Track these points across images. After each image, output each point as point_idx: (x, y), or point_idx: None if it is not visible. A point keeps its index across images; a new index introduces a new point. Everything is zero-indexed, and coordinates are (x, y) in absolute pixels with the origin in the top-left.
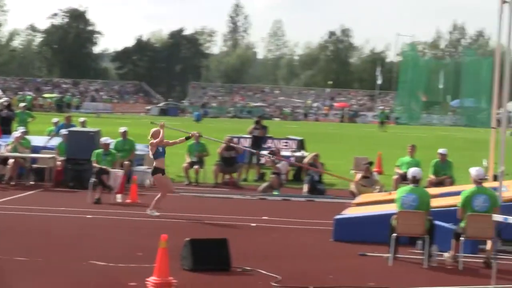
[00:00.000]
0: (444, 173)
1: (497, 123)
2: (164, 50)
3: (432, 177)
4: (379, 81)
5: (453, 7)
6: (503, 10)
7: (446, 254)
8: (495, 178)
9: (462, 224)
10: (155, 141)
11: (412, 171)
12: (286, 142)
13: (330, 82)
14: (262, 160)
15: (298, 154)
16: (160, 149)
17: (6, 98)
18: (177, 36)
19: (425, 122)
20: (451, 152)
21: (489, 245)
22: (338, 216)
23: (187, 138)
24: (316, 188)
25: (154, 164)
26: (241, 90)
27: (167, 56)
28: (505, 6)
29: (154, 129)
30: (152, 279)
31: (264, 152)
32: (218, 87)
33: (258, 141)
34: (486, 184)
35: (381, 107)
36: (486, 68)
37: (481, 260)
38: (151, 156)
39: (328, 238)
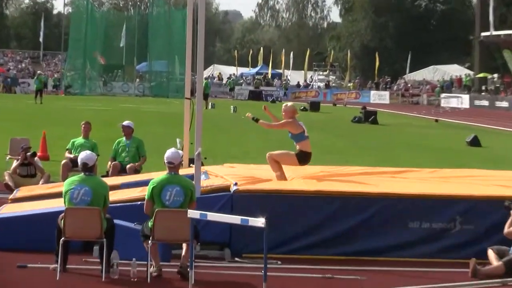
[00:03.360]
0: (129, 155)
1: (192, 92)
2: None
3: (116, 163)
4: (40, 39)
5: None
6: None
7: (133, 262)
8: (192, 162)
9: (150, 223)
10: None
11: (82, 156)
12: None
13: None
14: None
15: None
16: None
17: None
18: None
19: (104, 92)
20: (139, 129)
21: (184, 249)
22: None
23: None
24: None
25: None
26: None
27: None
28: None
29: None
30: None
31: None
32: None
33: None
34: (182, 171)
35: (39, 72)
36: (179, 23)
37: (175, 270)
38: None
39: None
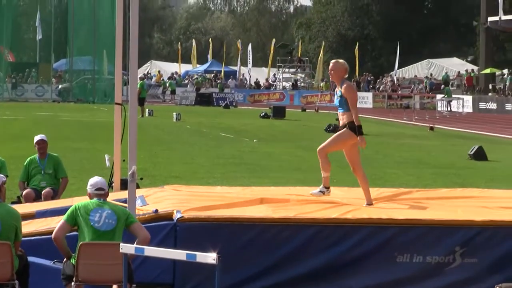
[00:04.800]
0: (45, 178)
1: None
2: None
3: (29, 191)
4: None
5: None
6: None
7: None
8: (125, 183)
9: (73, 260)
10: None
11: None
12: None
13: None
14: None
15: None
16: None
17: None
18: None
19: (13, 97)
20: (57, 144)
21: None
22: None
23: None
24: None
25: None
26: None
27: None
28: None
29: None
30: None
31: None
32: None
33: None
34: (112, 196)
35: None
36: (107, 10)
37: None
38: None
39: None
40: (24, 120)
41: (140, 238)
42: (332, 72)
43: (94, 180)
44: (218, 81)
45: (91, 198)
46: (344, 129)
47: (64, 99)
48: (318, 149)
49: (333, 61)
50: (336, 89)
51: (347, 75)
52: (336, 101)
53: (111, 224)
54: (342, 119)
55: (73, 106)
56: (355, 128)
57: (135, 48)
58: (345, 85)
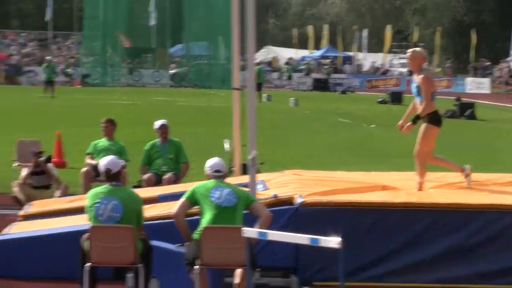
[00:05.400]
0: (166, 162)
1: (243, 81)
2: None
3: (150, 175)
4: (48, 17)
5: None
6: None
7: None
8: (245, 168)
9: (197, 233)
10: None
11: (104, 162)
12: None
13: None
14: None
15: None
16: None
17: None
18: None
19: (131, 82)
20: (175, 130)
21: (238, 278)
22: None
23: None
24: None
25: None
26: None
27: None
28: None
29: None
30: None
31: None
32: None
33: None
34: (232, 181)
35: (49, 58)
36: None
37: None
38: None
39: None
40: (141, 105)
41: (263, 217)
42: (410, 61)
43: (212, 161)
44: (334, 67)
45: (209, 179)
46: (424, 124)
47: (177, 84)
48: (414, 153)
49: (410, 50)
50: (414, 77)
51: (425, 63)
52: (413, 90)
53: (231, 200)
54: (419, 108)
55: (189, 91)
56: (434, 118)
57: (252, 33)
58: (422, 76)
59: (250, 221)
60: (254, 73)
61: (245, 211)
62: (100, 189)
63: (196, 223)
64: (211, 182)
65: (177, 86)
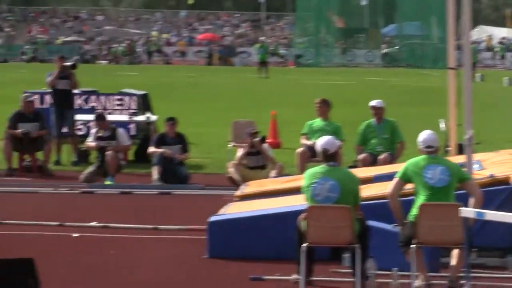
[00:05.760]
0: (381, 142)
1: (457, 61)
2: None
3: (366, 155)
4: None
5: None
6: None
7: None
8: (460, 148)
9: (412, 215)
10: None
11: (322, 142)
12: (120, 99)
13: (191, 1)
14: (82, 130)
15: (139, 117)
16: None
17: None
18: None
19: (344, 62)
20: (389, 109)
21: (455, 258)
22: (213, 218)
23: None
24: (174, 173)
25: None
26: (42, 16)
27: None
28: None
29: None
30: None
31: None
32: (3, 12)
33: (65, 98)
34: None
35: (263, 39)
36: None
37: (445, 282)
38: None
39: (200, 254)
40: (355, 85)
41: (476, 196)
42: None
43: (424, 135)
44: None
45: (421, 154)
46: None
47: (388, 64)
48: None
49: None
50: None
51: None
52: None
53: (444, 180)
54: None
55: (401, 71)
56: None
57: (468, 12)
58: None
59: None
60: (470, 53)
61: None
62: (317, 169)
63: (410, 204)
64: (423, 159)
65: (390, 66)
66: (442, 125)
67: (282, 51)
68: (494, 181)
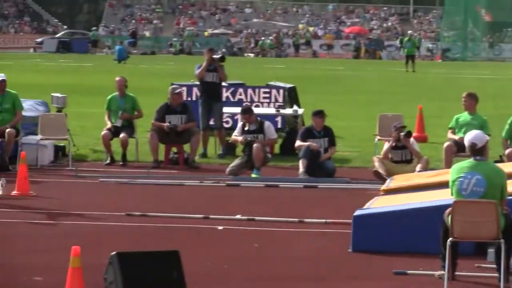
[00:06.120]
0: None
1: None
2: None
3: (507, 142)
4: None
5: None
6: None
7: None
8: None
9: None
10: None
11: (470, 137)
12: (267, 92)
13: None
14: (229, 123)
15: (286, 110)
16: None
17: None
18: None
19: (491, 56)
20: None
21: None
22: (358, 212)
23: None
24: (320, 167)
25: None
26: (190, 8)
27: None
28: None
29: None
30: None
31: (231, 110)
32: (152, 4)
33: (213, 91)
34: None
35: (410, 33)
36: None
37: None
38: None
39: (344, 248)
40: (502, 79)
41: None
42: None
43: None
44: None
45: None
46: None
47: None
48: None
49: None
50: None
51: None
52: None
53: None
54: None
55: None
56: None
57: None
58: None
59: None
60: None
61: None
62: (465, 163)
63: None
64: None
65: None
66: None
67: (429, 45)
68: None
